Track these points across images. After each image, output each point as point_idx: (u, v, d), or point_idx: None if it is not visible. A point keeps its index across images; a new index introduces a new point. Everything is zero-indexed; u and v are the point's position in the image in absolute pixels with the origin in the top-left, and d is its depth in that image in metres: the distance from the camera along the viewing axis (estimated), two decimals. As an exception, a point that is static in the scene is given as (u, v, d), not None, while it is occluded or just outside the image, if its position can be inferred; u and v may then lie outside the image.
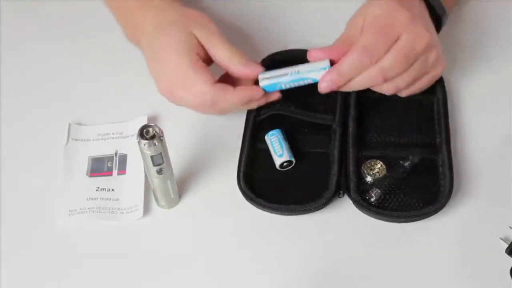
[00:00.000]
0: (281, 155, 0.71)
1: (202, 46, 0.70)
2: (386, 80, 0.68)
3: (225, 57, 0.70)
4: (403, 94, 0.72)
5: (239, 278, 0.66)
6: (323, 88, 0.68)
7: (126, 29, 0.78)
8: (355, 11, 0.71)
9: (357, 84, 0.68)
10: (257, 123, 0.74)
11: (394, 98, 0.74)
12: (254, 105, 0.71)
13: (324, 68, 0.68)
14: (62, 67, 0.82)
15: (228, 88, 0.69)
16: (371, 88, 0.70)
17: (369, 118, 0.75)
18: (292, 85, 0.69)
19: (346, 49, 0.68)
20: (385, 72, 0.67)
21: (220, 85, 0.69)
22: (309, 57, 0.70)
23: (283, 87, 0.69)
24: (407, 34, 0.67)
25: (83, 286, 0.66)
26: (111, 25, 0.83)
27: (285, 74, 0.69)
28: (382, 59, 0.67)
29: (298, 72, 0.69)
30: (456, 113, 0.76)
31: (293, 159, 0.71)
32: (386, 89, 0.70)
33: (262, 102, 0.71)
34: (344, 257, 0.67)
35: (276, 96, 0.71)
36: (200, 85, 0.68)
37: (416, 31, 0.68)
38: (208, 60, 0.71)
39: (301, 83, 0.69)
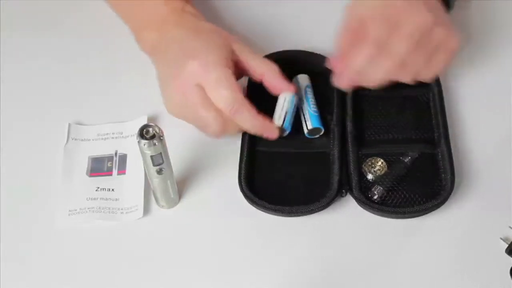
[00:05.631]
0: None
1: (235, 60, 0.71)
2: (402, 66, 0.69)
3: (264, 67, 0.72)
4: (428, 76, 0.72)
5: (240, 279, 0.66)
6: (341, 85, 0.71)
7: (140, 31, 0.77)
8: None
9: (373, 77, 0.70)
10: None
11: (390, 95, 0.75)
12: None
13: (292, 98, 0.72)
14: (62, 67, 0.82)
15: (253, 108, 0.69)
16: (393, 79, 0.71)
17: (366, 116, 0.75)
18: (291, 118, 0.72)
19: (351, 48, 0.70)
20: (397, 56, 0.68)
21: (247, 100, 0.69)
22: (328, 65, 0.72)
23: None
24: (409, 17, 0.68)
25: (83, 286, 0.66)
26: (111, 25, 0.83)
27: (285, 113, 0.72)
28: (391, 46, 0.68)
29: (286, 111, 0.72)
30: (453, 108, 0.76)
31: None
32: (407, 76, 0.71)
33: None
34: (348, 256, 0.67)
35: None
36: (235, 90, 0.68)
37: (417, 13, 0.69)
38: (237, 75, 0.71)
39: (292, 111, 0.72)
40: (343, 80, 0.71)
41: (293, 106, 0.72)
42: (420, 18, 0.69)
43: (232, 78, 0.68)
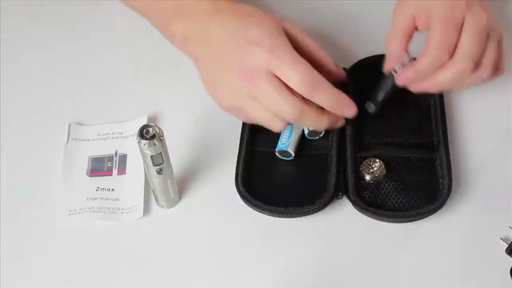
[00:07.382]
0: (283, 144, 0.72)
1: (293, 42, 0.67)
2: (476, 66, 0.67)
3: (321, 51, 0.69)
4: (501, 73, 0.70)
5: (240, 278, 0.66)
6: (401, 84, 0.70)
7: (168, 23, 0.71)
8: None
9: (444, 80, 0.68)
10: (255, 125, 0.74)
11: (390, 99, 0.75)
12: (333, 124, 0.69)
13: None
14: (62, 66, 0.82)
15: (331, 84, 0.66)
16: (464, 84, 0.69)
17: (365, 119, 0.74)
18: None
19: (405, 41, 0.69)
20: (470, 56, 0.67)
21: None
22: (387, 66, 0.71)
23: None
24: (469, 15, 0.67)
25: (83, 286, 0.66)
26: (111, 25, 0.83)
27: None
28: (460, 47, 0.66)
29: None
30: (454, 112, 0.76)
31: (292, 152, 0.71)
32: (484, 76, 0.69)
33: (340, 123, 0.70)
34: (346, 257, 0.67)
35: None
36: (311, 67, 0.64)
37: (475, 11, 0.67)
38: None
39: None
40: (403, 79, 0.69)
41: None
42: (478, 15, 0.67)
43: (302, 58, 0.65)
